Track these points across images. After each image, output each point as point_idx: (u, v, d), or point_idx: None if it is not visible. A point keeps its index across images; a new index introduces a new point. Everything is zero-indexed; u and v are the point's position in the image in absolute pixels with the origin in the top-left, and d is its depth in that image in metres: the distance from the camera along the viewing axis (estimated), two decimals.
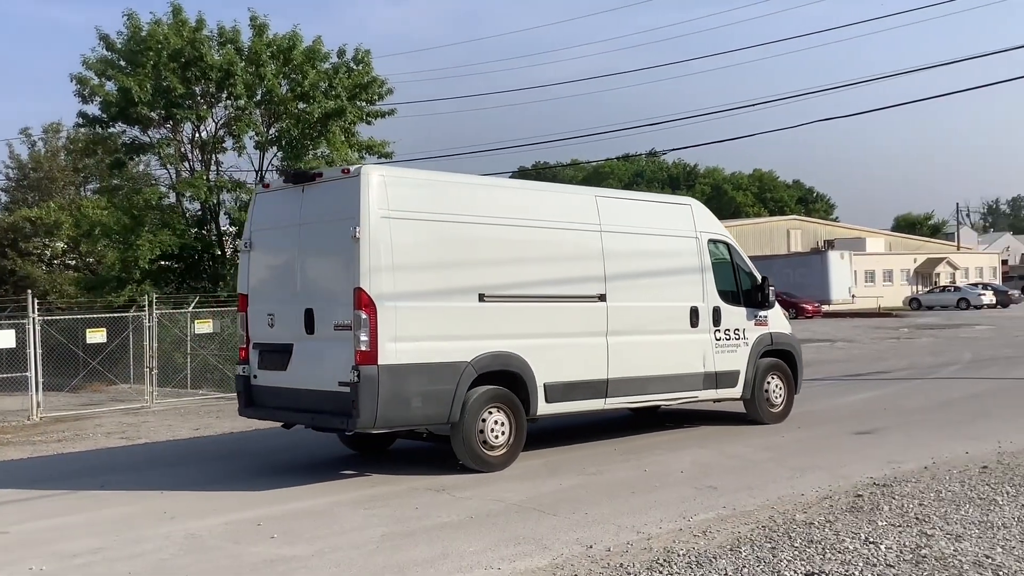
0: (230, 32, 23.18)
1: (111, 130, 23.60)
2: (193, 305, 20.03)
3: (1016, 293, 64.81)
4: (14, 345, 16.39)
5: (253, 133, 23.39)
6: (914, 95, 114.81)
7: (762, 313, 12.85)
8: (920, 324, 42.38)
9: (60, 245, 31.01)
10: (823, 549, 6.63)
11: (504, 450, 10.00)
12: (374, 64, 24.16)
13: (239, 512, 8.41)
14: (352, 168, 9.56)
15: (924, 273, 70.74)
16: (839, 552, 6.55)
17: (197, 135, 23.75)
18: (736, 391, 12.50)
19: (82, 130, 25.71)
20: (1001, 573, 6.03)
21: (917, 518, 7.43)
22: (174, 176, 24.03)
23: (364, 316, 8.99)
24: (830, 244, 71.64)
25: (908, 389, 17.00)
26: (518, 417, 10.11)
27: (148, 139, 23.55)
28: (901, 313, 55.63)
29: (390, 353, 9.09)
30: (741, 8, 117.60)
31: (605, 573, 6.30)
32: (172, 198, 24.17)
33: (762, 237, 69.28)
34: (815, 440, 11.59)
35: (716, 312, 12.21)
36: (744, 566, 6.29)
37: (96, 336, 17.61)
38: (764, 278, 13.01)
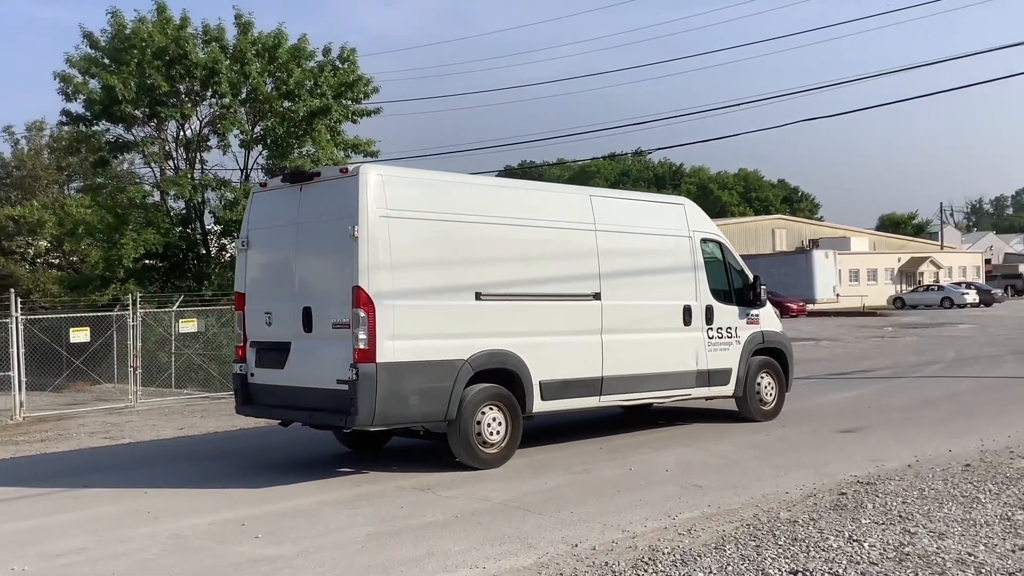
0: (215, 30, 23.08)
1: (95, 128, 23.46)
2: (177, 304, 19.93)
3: (999, 292, 65.28)
4: None
5: (238, 131, 23.28)
6: (898, 95, 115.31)
7: (754, 312, 12.96)
8: (904, 323, 42.61)
9: (43, 244, 30.77)
10: (807, 547, 6.65)
11: (500, 447, 10.08)
12: (359, 63, 24.15)
13: (223, 512, 8.38)
14: (350, 167, 9.62)
15: (908, 272, 71.15)
16: (823, 550, 6.57)
17: (181, 133, 23.64)
18: (728, 389, 12.59)
19: (66, 128, 25.51)
20: (984, 571, 6.06)
21: (901, 516, 7.47)
22: (158, 174, 23.90)
23: (362, 314, 9.03)
24: (815, 243, 71.95)
25: (892, 388, 17.09)
26: (514, 415, 10.18)
27: (132, 137, 23.44)
28: (885, 312, 55.91)
29: (388, 351, 9.14)
30: (726, 8, 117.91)
31: (590, 572, 6.30)
32: (156, 196, 24.04)
33: (747, 236, 69.45)
34: (799, 438, 11.63)
35: (709, 311, 12.30)
36: (729, 564, 6.31)
37: (80, 335, 17.49)
38: (756, 277, 13.16)
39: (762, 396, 12.97)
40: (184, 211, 23.88)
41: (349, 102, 23.99)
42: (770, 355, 13.17)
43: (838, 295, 59.92)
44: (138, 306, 18.23)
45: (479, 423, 9.90)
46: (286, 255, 10.28)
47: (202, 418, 15.72)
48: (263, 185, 11.03)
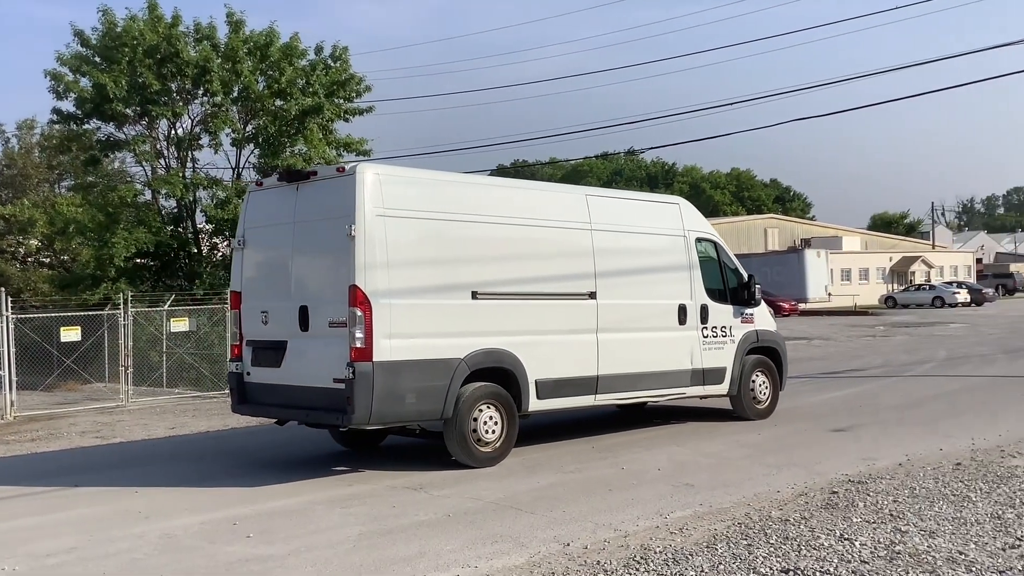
0: (206, 28, 23.03)
1: (86, 127, 23.41)
2: (169, 303, 19.89)
3: (990, 291, 65.41)
4: None
5: (230, 130, 23.24)
6: (890, 95, 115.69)
7: (748, 311, 13.00)
8: (895, 322, 42.72)
9: (34, 242, 30.63)
10: (798, 546, 6.66)
11: (496, 446, 10.10)
12: (352, 61, 24.11)
13: (215, 511, 8.36)
14: (347, 166, 9.60)
15: (900, 271, 71.32)
16: (814, 549, 6.59)
17: (173, 132, 23.58)
18: (723, 388, 12.62)
19: (56, 127, 25.46)
20: (974, 569, 6.08)
21: (892, 515, 7.48)
22: (149, 173, 23.85)
23: (359, 313, 9.04)
24: (807, 243, 72.08)
25: (883, 387, 17.13)
26: (510, 413, 10.19)
27: (123, 136, 23.36)
28: (877, 311, 56.06)
29: (385, 350, 9.15)
30: (716, 8, 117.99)
31: (582, 571, 6.30)
32: (147, 195, 23.98)
33: (740, 236, 69.54)
34: (791, 437, 11.65)
35: (704, 309, 12.33)
36: (720, 563, 6.32)
37: (70, 334, 17.43)
38: (750, 276, 13.21)
39: (756, 395, 13.01)
40: (175, 210, 23.80)
41: (341, 101, 23.95)
42: (764, 354, 13.20)
43: (830, 294, 60.07)
44: (129, 305, 18.18)
45: (475, 421, 9.91)
46: (282, 254, 10.28)
47: (193, 417, 15.68)
48: (259, 184, 11.01)
